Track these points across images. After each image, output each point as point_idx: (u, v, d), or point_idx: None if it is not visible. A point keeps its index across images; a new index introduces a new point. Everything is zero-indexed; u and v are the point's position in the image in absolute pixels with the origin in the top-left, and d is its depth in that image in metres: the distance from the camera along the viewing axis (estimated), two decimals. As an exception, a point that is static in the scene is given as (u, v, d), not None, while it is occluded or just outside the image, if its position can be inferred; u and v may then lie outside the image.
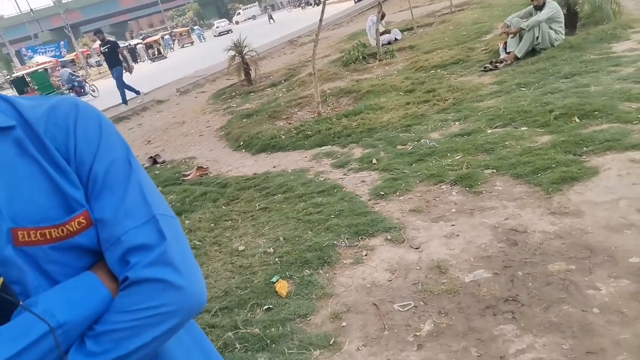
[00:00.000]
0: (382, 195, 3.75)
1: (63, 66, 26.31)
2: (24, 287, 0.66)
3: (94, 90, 19.08)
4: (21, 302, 0.65)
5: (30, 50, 39.17)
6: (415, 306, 2.44)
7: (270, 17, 42.09)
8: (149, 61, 33.89)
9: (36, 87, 19.40)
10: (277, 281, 2.90)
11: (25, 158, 0.69)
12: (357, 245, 3.14)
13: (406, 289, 2.61)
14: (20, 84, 20.47)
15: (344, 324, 2.46)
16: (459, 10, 12.79)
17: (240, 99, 9.52)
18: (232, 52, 10.57)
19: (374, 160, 4.47)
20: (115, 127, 0.77)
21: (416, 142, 4.61)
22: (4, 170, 0.67)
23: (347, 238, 3.23)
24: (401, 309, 2.45)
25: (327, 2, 7.31)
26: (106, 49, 11.57)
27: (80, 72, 32.62)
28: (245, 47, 10.56)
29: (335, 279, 2.85)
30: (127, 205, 0.71)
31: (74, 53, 35.37)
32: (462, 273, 2.59)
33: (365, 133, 5.32)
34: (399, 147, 4.65)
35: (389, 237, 3.13)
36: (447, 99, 5.60)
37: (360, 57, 9.43)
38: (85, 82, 20.07)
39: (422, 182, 3.78)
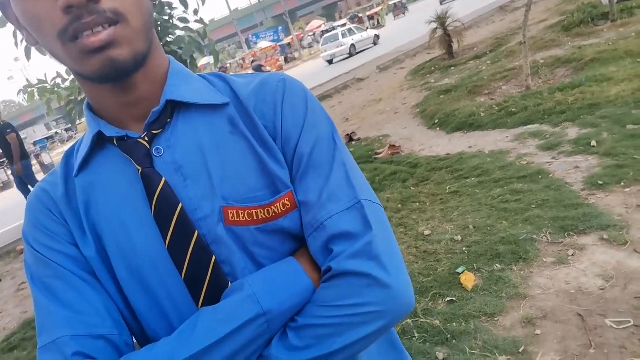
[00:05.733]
0: (601, 185, 3.14)
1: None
2: (232, 268, 0.66)
3: None
4: (230, 283, 0.65)
5: (255, 37, 44.72)
6: (636, 325, 1.99)
7: None
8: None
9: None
10: (463, 272, 2.71)
11: (237, 135, 0.68)
12: (562, 242, 2.71)
13: (625, 302, 2.14)
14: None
15: (538, 331, 2.16)
16: None
17: (439, 73, 9.16)
18: (434, 25, 10.18)
19: (594, 143, 3.78)
20: (320, 103, 0.73)
21: (655, 121, 3.73)
22: (219, 148, 0.67)
23: (549, 233, 2.82)
24: (615, 326, 2.03)
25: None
26: None
27: (296, 54, 36.52)
28: (449, 17, 10.05)
29: (531, 279, 2.52)
30: (331, 188, 0.66)
31: (290, 37, 39.19)
32: None
33: (585, 109, 4.54)
34: (629, 126, 3.83)
35: (605, 237, 2.62)
36: None
37: (588, 19, 8.04)
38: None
39: (659, 171, 3.05)
